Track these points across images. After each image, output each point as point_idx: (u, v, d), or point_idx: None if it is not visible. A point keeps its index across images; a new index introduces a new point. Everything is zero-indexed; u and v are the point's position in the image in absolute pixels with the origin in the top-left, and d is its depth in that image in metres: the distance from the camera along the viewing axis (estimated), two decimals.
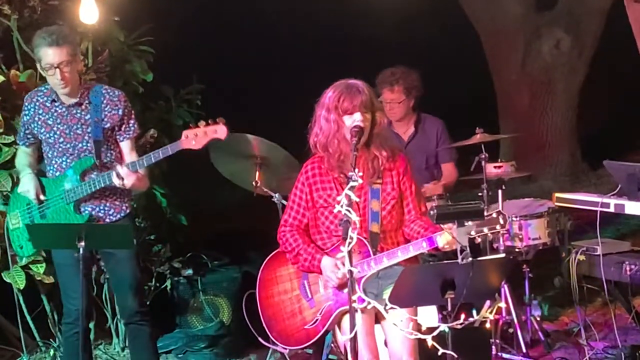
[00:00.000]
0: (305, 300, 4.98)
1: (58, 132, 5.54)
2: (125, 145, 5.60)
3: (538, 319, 6.54)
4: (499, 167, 6.53)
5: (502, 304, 6.19)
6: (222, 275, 7.24)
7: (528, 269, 6.52)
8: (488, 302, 5.71)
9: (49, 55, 5.38)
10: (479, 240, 4.54)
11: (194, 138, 5.29)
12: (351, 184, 4.36)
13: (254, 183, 6.38)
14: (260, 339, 6.17)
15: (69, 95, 5.51)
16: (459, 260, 4.34)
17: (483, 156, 6.39)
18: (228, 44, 12.08)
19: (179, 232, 7.36)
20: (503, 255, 6.10)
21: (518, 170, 6.74)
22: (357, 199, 4.53)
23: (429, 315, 5.59)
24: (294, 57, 12.11)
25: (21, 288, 6.33)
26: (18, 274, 6.29)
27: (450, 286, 4.35)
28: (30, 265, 6.29)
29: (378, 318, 4.90)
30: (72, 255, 5.29)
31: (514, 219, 6.38)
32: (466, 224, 4.47)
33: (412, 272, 4.52)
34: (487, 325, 5.76)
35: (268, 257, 5.19)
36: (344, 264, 4.54)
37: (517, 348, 6.23)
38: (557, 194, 6.12)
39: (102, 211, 5.59)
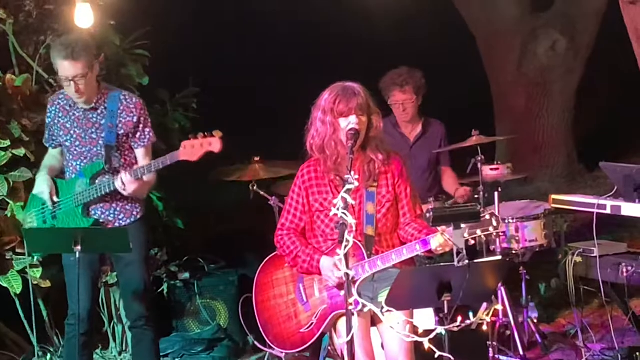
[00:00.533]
0: (301, 304, 4.98)
1: (75, 136, 5.59)
2: (140, 153, 5.63)
3: (535, 321, 6.55)
4: (496, 169, 6.53)
5: (499, 306, 6.19)
6: (218, 278, 7.24)
7: (525, 271, 6.52)
8: (485, 305, 5.70)
9: (64, 68, 5.42)
10: (472, 242, 4.54)
11: (191, 150, 5.30)
12: (347, 186, 4.36)
13: (250, 186, 6.38)
14: (256, 343, 6.18)
15: (86, 102, 5.56)
16: (456, 263, 4.34)
17: (479, 158, 6.39)
18: (224, 47, 12.07)
19: (176, 235, 7.35)
20: (500, 257, 6.10)
21: (514, 172, 6.74)
22: (353, 202, 4.54)
23: (425, 317, 5.60)
24: (291, 59, 12.10)
25: (17, 292, 6.32)
26: (14, 278, 6.28)
27: (446, 289, 4.35)
28: (27, 270, 6.28)
29: (374, 321, 4.89)
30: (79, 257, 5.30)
31: (510, 221, 6.39)
32: (462, 226, 4.46)
33: (408, 275, 4.52)
34: (484, 327, 5.78)
35: (264, 261, 5.18)
36: None
37: (514, 350, 6.23)
38: (554, 196, 6.11)
39: (111, 215, 5.60)
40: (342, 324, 4.77)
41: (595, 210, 5.67)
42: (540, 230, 6.41)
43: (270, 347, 5.20)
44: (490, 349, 5.93)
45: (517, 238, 6.37)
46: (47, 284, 6.35)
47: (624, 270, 5.64)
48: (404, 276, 4.45)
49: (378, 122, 4.88)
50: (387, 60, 7.05)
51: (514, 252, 6.39)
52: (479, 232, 4.53)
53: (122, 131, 5.56)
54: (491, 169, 6.52)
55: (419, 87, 6.81)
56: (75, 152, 5.60)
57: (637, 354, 5.85)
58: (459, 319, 4.34)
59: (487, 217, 4.54)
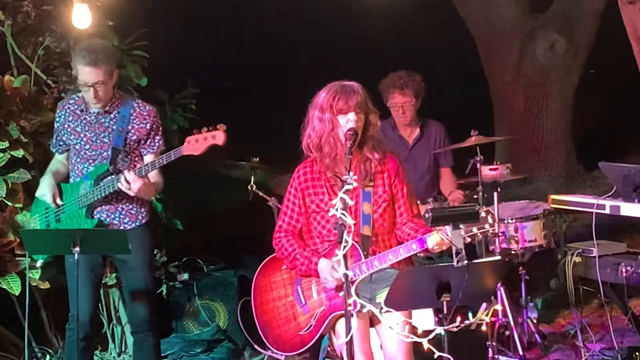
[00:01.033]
0: (299, 306, 4.97)
1: (85, 139, 5.60)
2: (148, 159, 5.62)
3: (534, 321, 6.55)
4: (495, 169, 6.53)
5: (498, 307, 6.19)
6: (217, 279, 7.24)
7: (524, 271, 6.52)
8: (484, 305, 5.70)
9: (85, 73, 5.44)
10: (469, 240, 4.53)
11: (195, 144, 5.32)
12: (346, 187, 4.35)
13: (249, 187, 6.38)
14: (255, 345, 6.17)
15: (101, 107, 5.57)
16: (455, 263, 4.33)
17: (478, 158, 6.39)
18: (223, 48, 12.08)
19: (175, 236, 7.35)
20: (499, 257, 6.10)
21: (514, 173, 6.74)
22: (352, 203, 4.53)
23: (425, 318, 5.60)
24: (290, 60, 12.11)
25: (17, 294, 6.31)
26: (13, 280, 6.27)
27: (446, 289, 4.34)
28: (27, 271, 6.27)
29: (372, 322, 4.89)
30: (80, 260, 5.30)
31: (509, 221, 6.39)
32: (461, 226, 4.46)
33: (407, 275, 4.52)
34: (484, 327, 5.77)
35: (262, 264, 5.18)
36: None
37: (513, 350, 6.23)
38: (553, 196, 6.12)
39: (116, 218, 5.61)
40: (341, 325, 4.76)
41: (595, 210, 5.67)
42: (539, 231, 6.41)
43: (270, 349, 5.19)
44: (490, 349, 5.92)
45: (516, 238, 6.37)
46: (46, 285, 6.34)
47: (623, 270, 5.64)
48: (403, 276, 4.44)
49: (375, 121, 4.87)
50: (387, 61, 7.05)
51: (513, 252, 6.39)
52: (475, 229, 4.52)
53: (134, 137, 5.57)
54: (490, 169, 6.53)
55: (418, 90, 6.81)
56: (84, 156, 5.61)
57: (637, 354, 5.85)
58: (458, 319, 4.34)
59: (483, 214, 4.53)
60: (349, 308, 4.27)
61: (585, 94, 11.25)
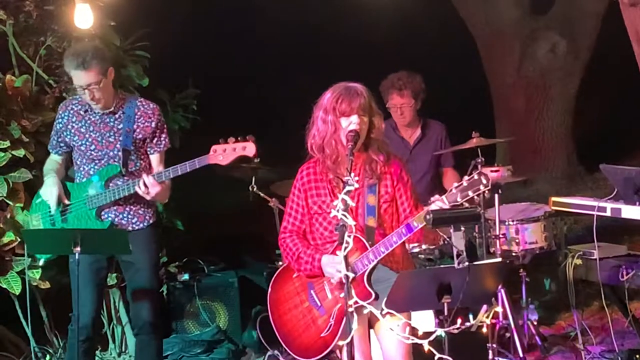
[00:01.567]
0: (316, 310, 4.88)
1: (90, 140, 5.59)
2: (155, 158, 5.64)
3: (535, 323, 6.54)
4: (496, 171, 6.52)
5: (499, 308, 6.19)
6: (218, 280, 7.23)
7: (525, 273, 6.52)
8: (485, 307, 5.69)
9: (77, 77, 5.44)
10: (466, 205, 4.49)
11: (222, 153, 5.28)
12: (347, 188, 4.34)
13: (250, 188, 6.38)
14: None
15: (104, 107, 5.56)
16: (455, 265, 4.33)
17: (479, 160, 6.38)
18: (224, 48, 12.06)
19: (175, 236, 7.35)
20: (499, 259, 6.10)
21: (514, 175, 6.73)
22: (353, 204, 4.52)
23: (425, 319, 5.59)
24: (291, 60, 12.10)
25: (17, 294, 6.31)
26: (14, 279, 6.27)
27: (446, 290, 4.35)
28: (26, 271, 6.28)
29: (371, 323, 4.88)
30: (83, 261, 5.29)
31: (510, 223, 6.39)
32: (462, 228, 4.46)
33: (408, 277, 4.51)
34: (484, 329, 5.76)
35: (272, 279, 5.09)
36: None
37: (514, 352, 6.23)
38: (554, 198, 6.12)
39: (125, 219, 5.60)
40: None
41: (596, 213, 5.67)
42: (540, 233, 6.41)
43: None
44: (490, 351, 5.91)
45: (517, 240, 6.38)
46: (46, 285, 6.34)
47: (624, 272, 5.64)
48: (404, 278, 4.44)
49: (379, 123, 4.86)
50: (387, 62, 7.05)
51: (514, 254, 6.39)
52: (470, 193, 4.49)
53: (140, 136, 5.57)
54: (491, 171, 6.51)
55: (417, 91, 6.81)
56: (89, 156, 5.60)
57: (637, 356, 5.86)
58: (459, 320, 4.34)
59: (475, 177, 4.49)
60: (355, 305, 4.26)
61: (586, 95, 11.25)
